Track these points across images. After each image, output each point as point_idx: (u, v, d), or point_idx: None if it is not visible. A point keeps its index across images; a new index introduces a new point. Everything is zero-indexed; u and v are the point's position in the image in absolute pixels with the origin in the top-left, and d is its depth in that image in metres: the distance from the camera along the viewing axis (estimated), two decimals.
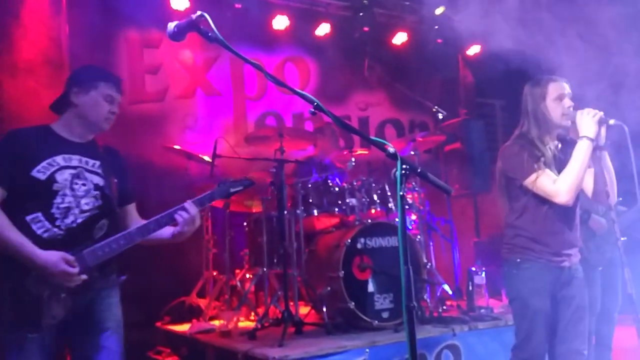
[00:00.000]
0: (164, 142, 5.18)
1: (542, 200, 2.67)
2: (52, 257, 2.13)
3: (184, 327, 4.34)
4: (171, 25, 1.92)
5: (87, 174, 2.34)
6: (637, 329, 2.56)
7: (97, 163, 2.39)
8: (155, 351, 4.33)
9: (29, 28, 4.88)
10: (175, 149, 4.93)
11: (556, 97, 2.71)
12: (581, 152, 2.58)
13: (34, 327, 2.14)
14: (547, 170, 2.65)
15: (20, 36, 4.81)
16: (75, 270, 2.16)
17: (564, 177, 2.60)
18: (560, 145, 2.80)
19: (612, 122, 2.61)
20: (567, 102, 2.71)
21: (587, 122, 2.59)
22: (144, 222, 2.38)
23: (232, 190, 2.57)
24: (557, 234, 2.71)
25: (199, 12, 1.87)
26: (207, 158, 4.62)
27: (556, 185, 2.60)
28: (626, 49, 4.13)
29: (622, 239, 2.75)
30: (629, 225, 3.53)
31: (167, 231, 2.43)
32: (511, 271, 2.77)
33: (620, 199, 3.07)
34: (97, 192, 2.34)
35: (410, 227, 4.72)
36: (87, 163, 2.36)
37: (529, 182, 2.66)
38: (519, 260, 2.73)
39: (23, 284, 2.14)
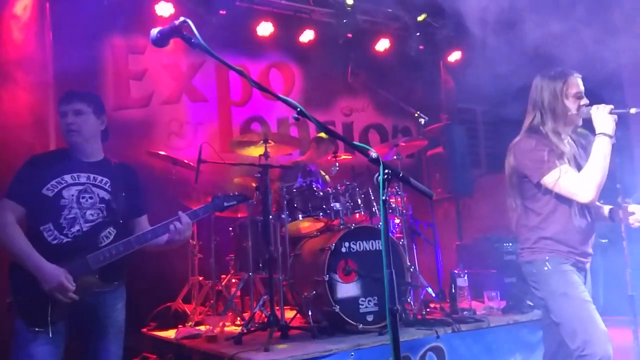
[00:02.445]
0: (149, 147, 5.17)
1: (565, 200, 2.57)
2: (55, 270, 2.38)
3: (170, 333, 4.32)
4: (154, 31, 1.92)
5: (95, 189, 2.60)
6: (633, 330, 2.57)
7: (105, 179, 2.64)
8: (142, 357, 4.30)
9: (11, 34, 4.83)
10: (160, 154, 4.93)
11: (575, 94, 2.65)
12: (601, 149, 2.50)
13: (41, 322, 2.38)
14: (569, 168, 2.54)
15: (2, 41, 4.77)
16: (72, 287, 2.40)
17: (587, 175, 2.51)
18: (574, 142, 2.72)
19: (633, 110, 2.54)
20: (584, 100, 2.67)
21: (605, 118, 2.52)
22: (144, 231, 2.61)
23: (226, 204, 2.78)
24: (579, 234, 2.62)
25: (182, 18, 1.87)
26: (192, 164, 4.63)
27: (580, 183, 2.50)
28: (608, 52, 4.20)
29: (603, 240, 2.76)
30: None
31: (162, 239, 2.65)
32: (541, 269, 2.61)
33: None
34: (103, 205, 2.59)
35: (393, 231, 4.78)
36: (95, 179, 2.62)
37: (549, 180, 2.53)
38: (547, 257, 2.60)
39: (36, 283, 2.38)
